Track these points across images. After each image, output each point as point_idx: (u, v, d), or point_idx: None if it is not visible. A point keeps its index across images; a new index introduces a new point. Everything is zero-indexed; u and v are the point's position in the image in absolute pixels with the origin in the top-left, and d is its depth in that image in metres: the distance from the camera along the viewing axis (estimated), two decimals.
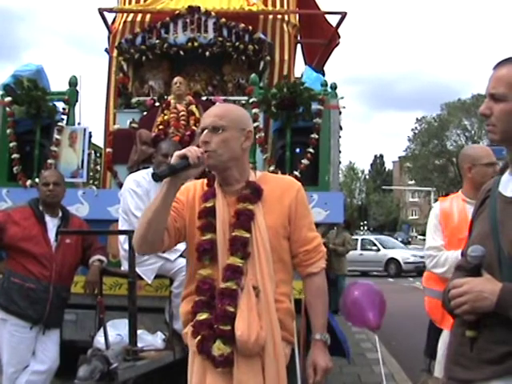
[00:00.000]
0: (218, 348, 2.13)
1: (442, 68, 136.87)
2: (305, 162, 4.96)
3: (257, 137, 5.05)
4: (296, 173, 4.90)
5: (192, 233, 2.29)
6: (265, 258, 2.20)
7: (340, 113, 5.30)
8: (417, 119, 57.79)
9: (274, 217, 2.26)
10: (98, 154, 6.67)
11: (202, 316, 2.19)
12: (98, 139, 6.67)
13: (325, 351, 2.30)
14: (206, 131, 2.22)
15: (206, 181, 2.34)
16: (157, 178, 2.07)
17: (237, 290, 2.16)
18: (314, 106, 5.09)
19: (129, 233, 3.79)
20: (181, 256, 3.89)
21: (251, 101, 5.22)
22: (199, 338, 2.18)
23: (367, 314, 4.47)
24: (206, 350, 2.16)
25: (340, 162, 5.40)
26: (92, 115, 7.62)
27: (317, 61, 8.21)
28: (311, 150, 4.99)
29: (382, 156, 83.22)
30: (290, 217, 2.29)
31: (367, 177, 79.01)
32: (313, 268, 2.34)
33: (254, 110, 5.15)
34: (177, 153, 2.10)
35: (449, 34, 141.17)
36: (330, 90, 5.29)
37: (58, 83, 5.83)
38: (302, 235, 2.31)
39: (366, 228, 33.34)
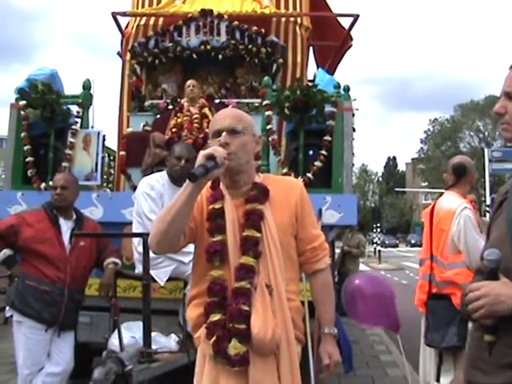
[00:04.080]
0: (235, 347, 2.13)
1: (460, 68, 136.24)
2: (318, 164, 4.94)
3: (270, 139, 5.05)
4: (309, 175, 4.88)
5: (201, 234, 2.30)
6: (276, 256, 2.23)
7: (353, 115, 5.29)
8: (430, 120, 57.61)
9: (281, 215, 2.30)
10: (111, 157, 6.69)
11: (216, 317, 2.19)
12: (112, 142, 6.73)
13: (335, 344, 2.38)
14: (224, 133, 2.22)
15: (209, 183, 2.34)
16: (195, 178, 2.05)
17: (250, 289, 2.17)
18: (327, 108, 5.06)
19: (143, 235, 3.80)
20: None
21: (264, 103, 5.22)
22: (214, 339, 2.17)
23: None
24: (222, 351, 2.15)
25: (353, 165, 5.38)
26: (106, 118, 7.65)
27: (329, 63, 8.20)
28: (324, 152, 4.96)
29: (395, 158, 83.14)
30: (296, 215, 2.33)
31: (380, 179, 78.77)
32: (319, 264, 2.40)
33: (267, 113, 5.16)
34: (203, 153, 2.10)
35: (465, 33, 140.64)
36: (343, 92, 5.28)
37: (71, 86, 5.88)
38: (308, 233, 2.37)
39: (379, 230, 33.21)
